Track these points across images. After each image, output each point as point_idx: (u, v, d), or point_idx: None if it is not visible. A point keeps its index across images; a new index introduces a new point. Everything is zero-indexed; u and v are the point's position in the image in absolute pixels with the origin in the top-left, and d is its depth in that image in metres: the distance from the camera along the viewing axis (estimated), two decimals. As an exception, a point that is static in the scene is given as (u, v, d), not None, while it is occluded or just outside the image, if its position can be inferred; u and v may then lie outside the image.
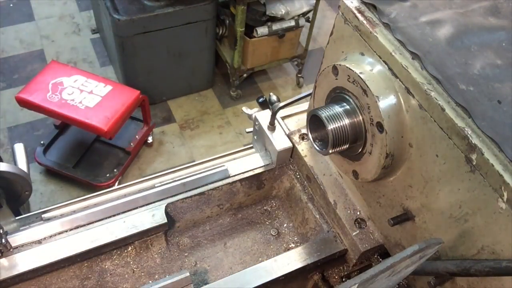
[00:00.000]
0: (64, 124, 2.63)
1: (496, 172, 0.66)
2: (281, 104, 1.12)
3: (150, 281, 1.06)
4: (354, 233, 1.02)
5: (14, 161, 1.00)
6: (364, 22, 0.84)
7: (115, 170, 2.55)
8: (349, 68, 0.84)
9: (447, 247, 0.81)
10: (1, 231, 0.95)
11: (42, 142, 2.57)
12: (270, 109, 1.17)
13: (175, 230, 1.17)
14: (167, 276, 0.97)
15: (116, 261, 1.08)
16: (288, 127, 1.20)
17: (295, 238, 1.19)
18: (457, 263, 0.76)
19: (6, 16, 3.47)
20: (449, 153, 0.73)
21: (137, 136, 2.67)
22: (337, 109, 0.87)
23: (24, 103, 2.33)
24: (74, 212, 1.06)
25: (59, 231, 1.03)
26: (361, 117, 0.85)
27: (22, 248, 0.99)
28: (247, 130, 1.29)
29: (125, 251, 1.09)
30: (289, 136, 1.16)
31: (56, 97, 2.31)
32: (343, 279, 1.11)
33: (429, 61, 0.76)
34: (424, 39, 0.80)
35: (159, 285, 0.90)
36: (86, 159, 2.59)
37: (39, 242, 1.01)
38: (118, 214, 1.07)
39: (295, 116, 1.23)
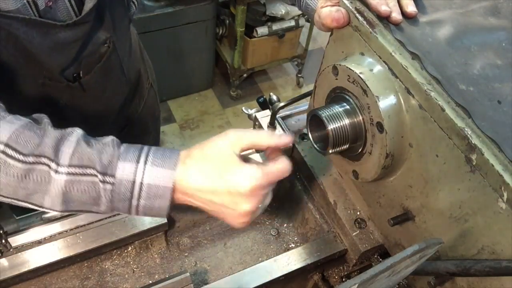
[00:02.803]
0: (64, 124, 2.63)
1: (496, 172, 0.65)
2: (281, 104, 1.12)
3: (150, 281, 1.06)
4: (354, 233, 1.02)
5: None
6: (364, 22, 0.83)
7: (115, 170, 2.54)
8: (349, 68, 0.84)
9: (447, 247, 0.81)
10: (1, 231, 0.95)
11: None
12: (270, 109, 1.17)
13: (175, 230, 1.17)
14: (167, 276, 0.97)
15: (116, 261, 1.08)
16: (288, 127, 1.20)
17: (295, 238, 1.19)
18: (457, 263, 0.76)
19: (6, 16, 3.46)
20: (449, 153, 0.73)
21: (137, 136, 2.67)
22: (337, 109, 0.87)
23: (24, 103, 2.33)
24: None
25: (59, 231, 1.02)
26: (361, 117, 0.85)
27: (22, 248, 0.99)
28: (247, 130, 1.28)
29: (125, 251, 1.09)
30: (289, 136, 1.16)
31: (56, 97, 2.31)
32: (343, 279, 1.11)
33: (429, 61, 0.76)
34: (424, 39, 0.80)
35: (159, 285, 0.90)
36: (86, 159, 2.59)
37: (39, 242, 1.01)
38: (118, 214, 1.07)
39: (295, 116, 1.23)
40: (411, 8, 0.82)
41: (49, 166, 0.68)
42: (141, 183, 0.69)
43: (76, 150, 0.69)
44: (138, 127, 1.49)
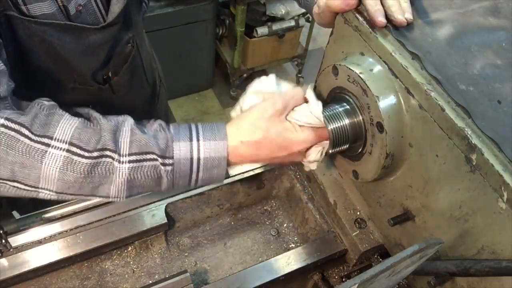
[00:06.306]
0: (64, 124, 2.63)
1: (496, 172, 0.65)
2: (281, 104, 1.12)
3: (150, 281, 1.06)
4: (354, 233, 1.02)
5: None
6: (364, 22, 0.83)
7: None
8: (349, 68, 0.84)
9: (447, 247, 0.81)
10: (1, 231, 0.95)
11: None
12: (270, 109, 1.17)
13: (175, 230, 1.17)
14: (167, 276, 0.97)
15: (116, 261, 1.08)
16: (288, 127, 1.20)
17: (295, 238, 1.19)
18: (457, 263, 0.76)
19: (6, 16, 3.46)
20: (449, 153, 0.73)
21: (137, 136, 2.67)
22: (337, 109, 0.87)
23: (24, 103, 2.32)
24: (74, 212, 1.06)
25: (59, 231, 1.03)
26: (361, 117, 0.85)
27: (22, 248, 0.99)
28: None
29: (125, 251, 1.09)
30: (289, 136, 1.16)
31: (56, 97, 2.31)
32: (343, 279, 1.11)
33: (429, 61, 0.76)
34: (424, 39, 0.80)
35: (159, 285, 0.90)
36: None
37: (39, 242, 1.01)
38: (118, 214, 1.07)
39: (295, 116, 1.23)
40: (407, 15, 0.81)
41: (112, 157, 0.72)
42: (198, 158, 0.75)
43: (133, 139, 0.74)
44: None
